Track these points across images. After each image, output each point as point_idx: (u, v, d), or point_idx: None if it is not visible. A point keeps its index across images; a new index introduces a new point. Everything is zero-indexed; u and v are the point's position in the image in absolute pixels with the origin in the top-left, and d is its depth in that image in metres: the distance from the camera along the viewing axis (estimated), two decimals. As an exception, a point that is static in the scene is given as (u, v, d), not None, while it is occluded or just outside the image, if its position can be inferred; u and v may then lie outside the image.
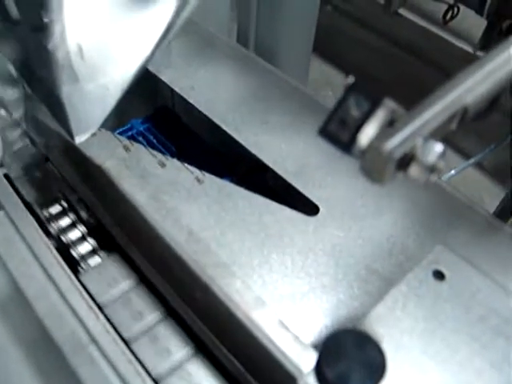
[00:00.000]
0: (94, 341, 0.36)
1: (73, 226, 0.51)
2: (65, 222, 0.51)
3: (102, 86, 0.48)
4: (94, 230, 0.51)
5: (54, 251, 0.42)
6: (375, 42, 1.81)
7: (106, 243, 0.50)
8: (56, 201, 0.52)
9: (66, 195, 0.53)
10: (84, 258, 0.48)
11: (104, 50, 0.47)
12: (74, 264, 0.47)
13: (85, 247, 0.49)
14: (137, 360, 0.37)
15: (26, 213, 0.46)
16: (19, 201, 0.46)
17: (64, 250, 0.48)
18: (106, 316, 0.41)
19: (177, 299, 0.42)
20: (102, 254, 0.49)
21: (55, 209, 0.51)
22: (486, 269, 0.37)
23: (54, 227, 0.50)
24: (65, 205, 0.52)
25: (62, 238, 0.49)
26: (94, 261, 0.48)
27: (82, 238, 0.50)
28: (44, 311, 0.37)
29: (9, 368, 0.37)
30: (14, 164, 0.50)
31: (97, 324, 0.38)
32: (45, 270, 0.40)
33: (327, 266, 0.41)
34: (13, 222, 0.43)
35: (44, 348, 0.36)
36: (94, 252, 0.49)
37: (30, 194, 0.52)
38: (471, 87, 0.27)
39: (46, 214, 0.51)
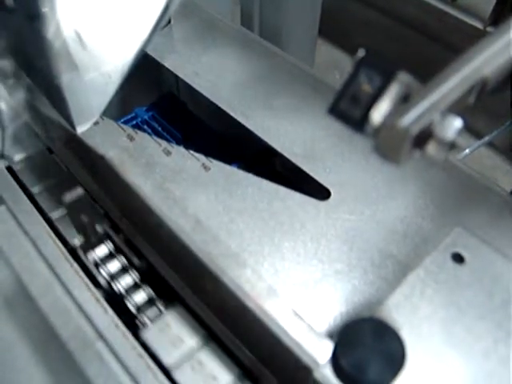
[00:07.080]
0: (101, 336, 0.35)
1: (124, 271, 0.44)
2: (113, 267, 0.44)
3: (105, 74, 0.46)
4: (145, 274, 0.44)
5: (58, 242, 0.41)
6: (382, 21, 1.78)
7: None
8: (100, 241, 0.46)
9: (110, 235, 0.46)
10: (141, 309, 0.42)
11: (103, 36, 0.45)
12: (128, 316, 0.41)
13: (141, 296, 0.43)
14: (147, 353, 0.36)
15: (30, 206, 0.44)
16: (22, 194, 0.45)
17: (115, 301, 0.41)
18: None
19: (181, 283, 0.41)
20: (159, 303, 0.43)
21: (101, 250, 0.45)
22: (507, 251, 0.35)
23: (102, 274, 0.43)
24: (110, 246, 0.46)
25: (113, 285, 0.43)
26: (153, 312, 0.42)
27: (136, 286, 0.44)
28: (48, 307, 0.36)
29: (17, 365, 0.36)
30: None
31: (105, 319, 0.36)
32: (49, 265, 0.39)
33: (341, 251, 0.39)
34: (15, 217, 0.41)
35: (52, 344, 0.35)
36: (151, 302, 0.43)
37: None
38: (490, 57, 0.26)
39: (92, 257, 0.44)
